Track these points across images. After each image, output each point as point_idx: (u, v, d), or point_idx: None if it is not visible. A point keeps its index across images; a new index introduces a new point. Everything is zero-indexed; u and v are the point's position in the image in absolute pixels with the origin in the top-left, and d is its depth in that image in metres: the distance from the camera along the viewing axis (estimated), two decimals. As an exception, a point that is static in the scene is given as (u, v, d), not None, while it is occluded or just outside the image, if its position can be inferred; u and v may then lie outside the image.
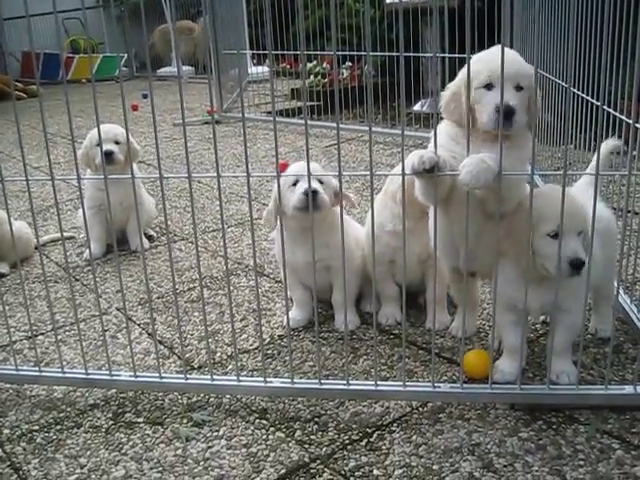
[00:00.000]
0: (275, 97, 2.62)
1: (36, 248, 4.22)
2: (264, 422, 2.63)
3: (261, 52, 10.46)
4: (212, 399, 2.80)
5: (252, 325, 3.40)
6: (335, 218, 3.12)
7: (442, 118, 2.66)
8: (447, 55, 6.01)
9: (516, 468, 2.29)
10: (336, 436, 2.52)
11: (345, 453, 2.43)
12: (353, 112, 8.09)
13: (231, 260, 4.23)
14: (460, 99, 2.55)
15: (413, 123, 7.33)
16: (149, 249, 4.54)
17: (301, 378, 2.87)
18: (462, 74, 2.58)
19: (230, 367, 3.04)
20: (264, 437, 2.55)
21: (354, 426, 2.57)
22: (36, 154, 7.35)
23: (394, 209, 3.10)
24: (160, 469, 2.41)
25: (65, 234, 4.55)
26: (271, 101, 2.50)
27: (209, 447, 2.51)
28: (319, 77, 9.15)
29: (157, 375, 2.78)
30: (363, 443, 2.48)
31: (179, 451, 2.50)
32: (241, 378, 2.74)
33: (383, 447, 2.45)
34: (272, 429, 2.59)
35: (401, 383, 2.62)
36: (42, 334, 3.45)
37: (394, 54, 6.79)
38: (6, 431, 2.68)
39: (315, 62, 9.35)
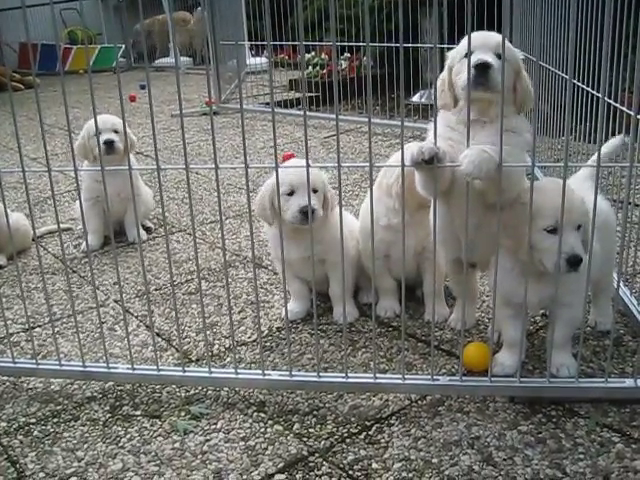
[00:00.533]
0: (273, 88, 2.60)
1: (33, 240, 4.20)
2: (262, 415, 2.62)
3: (259, 43, 10.41)
4: (210, 392, 2.79)
5: (250, 317, 3.39)
6: (329, 214, 3.11)
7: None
8: (446, 46, 5.98)
9: (516, 462, 2.28)
10: (335, 429, 2.51)
11: (344, 446, 2.42)
12: (352, 103, 8.06)
13: (229, 252, 4.22)
14: (445, 81, 2.64)
15: (412, 114, 7.29)
16: (147, 241, 4.52)
17: (299, 371, 2.86)
18: (448, 59, 2.68)
19: (228, 360, 3.02)
20: (262, 430, 2.53)
21: (353, 419, 2.56)
22: (34, 145, 7.32)
23: (388, 203, 3.09)
24: (158, 462, 2.40)
25: (62, 225, 4.54)
26: (269, 92, 2.47)
27: (207, 440, 2.50)
28: (317, 68, 9.12)
29: (155, 368, 2.77)
30: (362, 436, 2.47)
31: (177, 444, 2.49)
32: (239, 371, 2.73)
33: (382, 440, 2.44)
34: (270, 422, 2.58)
35: (400, 376, 2.61)
36: (39, 326, 3.43)
37: (393, 45, 6.76)
38: (3, 424, 2.66)
39: (313, 53, 9.32)
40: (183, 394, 2.79)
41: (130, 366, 2.79)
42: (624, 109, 3.13)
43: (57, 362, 2.86)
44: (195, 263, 2.67)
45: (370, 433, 2.48)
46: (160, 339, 3.24)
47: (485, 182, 2.45)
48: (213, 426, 2.57)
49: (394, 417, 2.56)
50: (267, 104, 8.42)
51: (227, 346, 3.14)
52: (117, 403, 2.76)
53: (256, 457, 2.39)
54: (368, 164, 2.39)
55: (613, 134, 3.15)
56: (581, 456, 2.29)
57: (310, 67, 9.16)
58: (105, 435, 2.57)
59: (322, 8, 9.18)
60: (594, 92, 3.67)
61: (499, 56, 2.46)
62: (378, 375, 2.63)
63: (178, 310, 3.44)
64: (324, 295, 3.38)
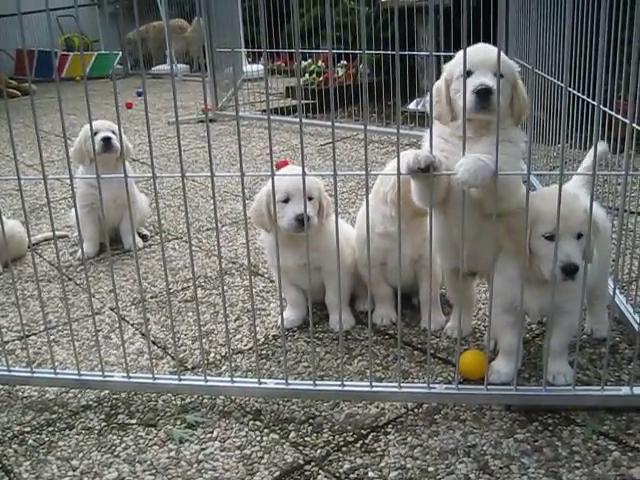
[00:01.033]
0: (270, 95, 2.60)
1: (29, 247, 4.19)
2: (258, 423, 2.61)
3: (256, 50, 10.42)
4: (206, 400, 2.78)
5: (246, 325, 3.38)
6: (325, 222, 3.10)
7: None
8: (442, 53, 5.99)
9: (512, 470, 2.27)
10: (331, 438, 2.51)
11: (340, 455, 2.41)
12: (348, 111, 8.06)
13: (225, 259, 4.21)
14: (441, 93, 2.63)
15: (408, 122, 7.30)
16: (142, 248, 4.51)
17: (295, 379, 2.85)
18: (445, 71, 2.66)
19: (224, 368, 3.01)
20: (258, 439, 2.53)
21: (349, 427, 2.56)
22: (30, 152, 7.31)
23: (385, 211, 3.09)
24: (153, 471, 2.39)
25: (58, 233, 4.53)
26: (266, 99, 2.47)
27: (203, 449, 2.49)
28: (314, 75, 9.12)
29: (150, 376, 2.76)
30: (358, 445, 2.46)
31: (172, 453, 2.48)
32: (235, 379, 2.72)
33: (378, 449, 2.43)
34: (266, 430, 2.57)
35: (396, 384, 2.60)
36: (34, 334, 3.42)
37: (389, 52, 6.78)
38: (-3, 433, 2.66)
39: (310, 60, 9.33)
40: (179, 402, 2.78)
41: (126, 374, 2.78)
42: (619, 117, 3.14)
43: (52, 370, 2.85)
44: (191, 271, 2.67)
45: (366, 441, 2.47)
46: (156, 347, 3.23)
47: (482, 191, 2.45)
48: (209, 435, 2.57)
49: (390, 425, 2.55)
50: (263, 111, 8.43)
51: (223, 354, 3.13)
52: (112, 412, 2.75)
53: (252, 466, 2.38)
54: (364, 172, 2.38)
55: (609, 142, 3.15)
56: (577, 464, 2.29)
57: (306, 74, 9.16)
58: (100, 444, 2.56)
59: (318, 16, 9.20)
60: (589, 100, 3.67)
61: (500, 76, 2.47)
62: (374, 383, 2.63)
63: (174, 318, 3.43)
64: (320, 303, 3.37)
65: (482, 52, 2.51)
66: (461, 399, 2.61)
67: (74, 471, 2.41)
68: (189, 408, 2.74)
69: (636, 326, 2.96)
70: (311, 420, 2.62)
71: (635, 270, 3.20)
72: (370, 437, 2.50)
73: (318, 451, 2.44)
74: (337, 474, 2.31)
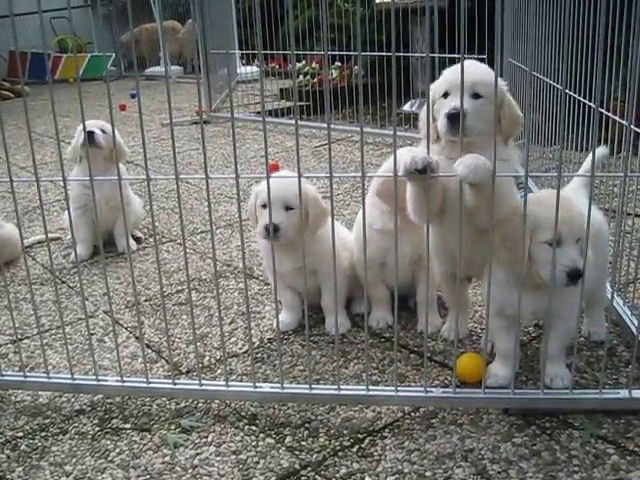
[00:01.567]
0: (264, 97, 2.58)
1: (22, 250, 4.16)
2: (254, 428, 2.59)
3: (250, 52, 10.40)
4: (200, 404, 2.75)
5: (241, 328, 3.36)
6: (315, 229, 3.08)
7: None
8: (437, 55, 5.98)
9: (510, 474, 2.26)
10: (327, 442, 2.48)
11: (336, 460, 2.39)
12: (342, 112, 8.05)
13: (220, 262, 4.19)
14: (424, 113, 2.61)
15: (403, 123, 7.29)
16: (136, 251, 4.48)
17: (291, 383, 2.83)
18: (431, 91, 2.62)
19: (219, 371, 2.99)
20: (254, 443, 2.50)
21: (345, 432, 2.53)
22: (23, 154, 7.27)
23: (383, 207, 3.05)
24: (147, 477, 2.36)
25: (51, 235, 4.50)
26: (260, 101, 2.45)
27: (198, 454, 2.46)
28: (308, 77, 9.10)
29: (144, 380, 2.74)
30: (354, 449, 2.44)
31: (167, 458, 2.45)
32: (230, 383, 2.70)
33: (375, 453, 2.41)
34: (262, 435, 2.55)
35: (393, 388, 2.58)
36: (27, 338, 3.39)
37: (384, 54, 6.76)
38: (-10, 438, 2.63)
39: (304, 62, 9.31)
40: (173, 407, 2.76)
41: (119, 378, 2.75)
42: (617, 118, 3.13)
43: (45, 374, 2.82)
44: (185, 273, 2.64)
45: (363, 446, 2.45)
46: (150, 351, 3.20)
47: (476, 196, 2.42)
48: (204, 439, 2.54)
49: (387, 430, 2.53)
50: (258, 113, 8.41)
51: (218, 358, 3.10)
52: (106, 416, 2.72)
53: (247, 471, 2.36)
54: (360, 174, 2.36)
55: (605, 143, 3.14)
56: (576, 468, 2.27)
57: (301, 76, 9.15)
58: (94, 449, 2.53)
59: (313, 17, 9.17)
60: (586, 101, 3.66)
61: (477, 95, 2.50)
62: (370, 387, 2.61)
63: (168, 321, 3.41)
64: (316, 306, 3.35)
65: (460, 72, 2.46)
66: (458, 403, 2.59)
67: (67, 477, 2.39)
68: (184, 412, 2.71)
69: (634, 329, 2.95)
70: (307, 424, 2.59)
71: (632, 272, 3.19)
72: (367, 441, 2.47)
73: (314, 456, 2.42)
74: (333, 479, 2.29)
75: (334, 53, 8.15)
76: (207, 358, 3.12)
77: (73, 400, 2.84)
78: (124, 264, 4.26)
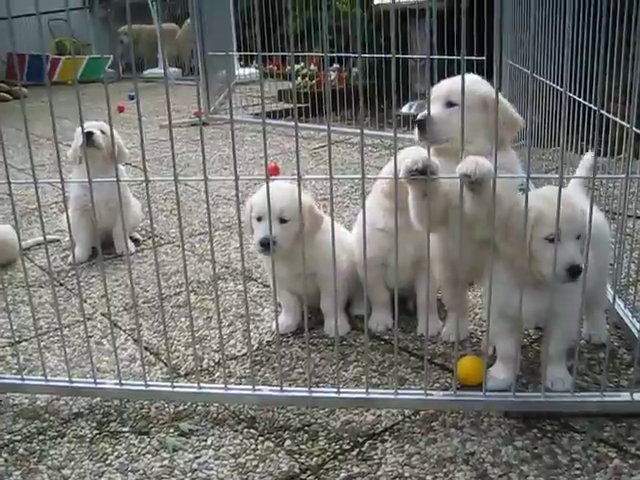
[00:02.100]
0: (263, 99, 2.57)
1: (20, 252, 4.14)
2: (253, 431, 2.58)
3: (249, 54, 10.38)
4: (199, 407, 2.74)
5: (240, 331, 3.34)
6: (319, 231, 3.06)
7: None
8: (436, 57, 5.96)
9: (511, 478, 2.24)
10: (327, 446, 2.47)
11: (336, 463, 2.37)
12: (340, 114, 8.04)
13: (218, 264, 4.17)
14: None
15: (401, 125, 7.27)
16: (135, 253, 4.47)
17: (290, 385, 2.82)
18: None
19: (218, 374, 2.97)
20: (253, 447, 2.49)
21: (345, 435, 2.52)
22: (22, 156, 7.23)
23: (386, 205, 3.02)
24: (146, 480, 2.35)
25: (49, 237, 4.48)
26: (260, 103, 2.44)
27: (196, 457, 2.45)
28: (306, 79, 9.09)
29: (143, 383, 2.72)
30: (354, 453, 2.42)
31: (166, 462, 2.44)
32: (229, 386, 2.69)
33: (375, 457, 2.39)
34: (261, 438, 2.53)
35: (393, 391, 2.57)
36: (25, 340, 3.37)
37: (383, 56, 6.76)
38: (-13, 441, 2.61)
39: (302, 64, 9.30)
40: (172, 410, 2.74)
41: (118, 381, 2.74)
42: (617, 120, 3.12)
43: (43, 377, 2.80)
44: (184, 275, 2.62)
45: (363, 449, 2.44)
46: (148, 353, 3.18)
47: (476, 205, 2.41)
48: (203, 443, 2.52)
49: (387, 433, 2.52)
50: (256, 115, 8.39)
51: (217, 360, 3.09)
52: (104, 419, 2.71)
53: (247, 475, 2.34)
54: (359, 176, 2.35)
55: (606, 144, 3.13)
56: (578, 472, 2.26)
57: (299, 78, 9.13)
58: (92, 452, 2.51)
59: (311, 19, 9.16)
60: (586, 103, 3.65)
61: (450, 104, 2.60)
62: (370, 390, 2.59)
63: (167, 324, 3.39)
64: (315, 308, 3.33)
65: (439, 85, 2.64)
66: (459, 406, 2.58)
67: (65, 481, 2.37)
68: (182, 416, 2.70)
69: (635, 331, 2.94)
70: (306, 427, 2.58)
71: (633, 274, 3.18)
72: (367, 445, 2.46)
73: (314, 459, 2.40)
74: (333, 483, 2.28)
75: (334, 55, 8.15)
76: (206, 361, 3.10)
77: (71, 403, 2.82)
78: (122, 266, 4.24)
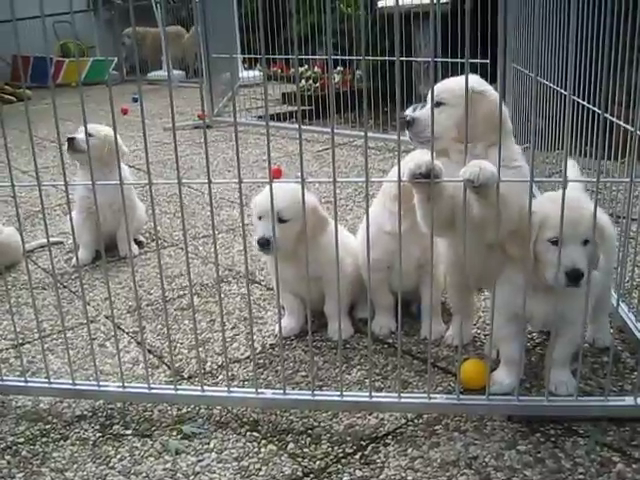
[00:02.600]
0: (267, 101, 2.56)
1: (24, 254, 4.15)
2: (255, 434, 2.57)
3: (253, 56, 10.39)
4: (202, 410, 2.74)
5: (243, 334, 3.34)
6: (323, 234, 3.06)
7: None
8: (440, 60, 5.97)
9: (515, 482, 2.24)
10: (330, 449, 2.47)
11: (339, 467, 2.37)
12: (344, 117, 8.04)
13: (222, 267, 4.17)
14: None
15: (405, 128, 7.27)
16: (138, 255, 4.47)
17: (293, 389, 2.82)
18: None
19: (221, 377, 2.97)
20: (256, 450, 2.48)
21: (348, 439, 2.52)
22: (25, 158, 7.25)
23: (392, 207, 3.01)
24: (149, 483, 2.35)
25: (53, 239, 4.48)
26: (264, 105, 2.44)
27: (199, 460, 2.45)
28: (310, 81, 9.10)
29: (146, 385, 2.72)
30: (357, 456, 2.42)
31: (168, 465, 2.44)
32: (232, 389, 2.69)
33: (378, 460, 2.39)
34: (264, 442, 2.53)
35: (396, 394, 2.56)
36: (29, 342, 3.38)
37: (386, 58, 6.76)
38: (-10, 444, 2.61)
39: (306, 66, 9.30)
40: (175, 413, 2.74)
41: (121, 384, 2.74)
42: (621, 123, 3.11)
43: (46, 380, 2.80)
44: (187, 278, 2.62)
45: (366, 453, 2.43)
46: (151, 356, 3.18)
47: (483, 208, 2.40)
48: (205, 446, 2.52)
49: (390, 436, 2.51)
50: (260, 117, 8.39)
51: (220, 363, 3.09)
52: (107, 422, 2.71)
53: (249, 478, 2.34)
54: (363, 179, 2.35)
55: (610, 148, 3.12)
56: (581, 476, 2.25)
57: (303, 80, 9.14)
58: (95, 455, 2.51)
59: (315, 22, 9.16)
60: (590, 106, 3.64)
61: (437, 103, 2.63)
62: (373, 393, 2.59)
63: (170, 326, 3.39)
64: (318, 311, 3.33)
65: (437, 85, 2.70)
66: (462, 409, 2.57)
67: (68, 483, 2.37)
68: (185, 418, 2.69)
69: (638, 335, 2.93)
70: (309, 431, 2.58)
71: (637, 278, 3.17)
72: (370, 448, 2.46)
73: (317, 463, 2.40)
74: (336, 486, 2.28)
75: (338, 57, 8.14)
76: (209, 364, 3.10)
77: (74, 405, 2.82)
78: (126, 268, 4.24)
